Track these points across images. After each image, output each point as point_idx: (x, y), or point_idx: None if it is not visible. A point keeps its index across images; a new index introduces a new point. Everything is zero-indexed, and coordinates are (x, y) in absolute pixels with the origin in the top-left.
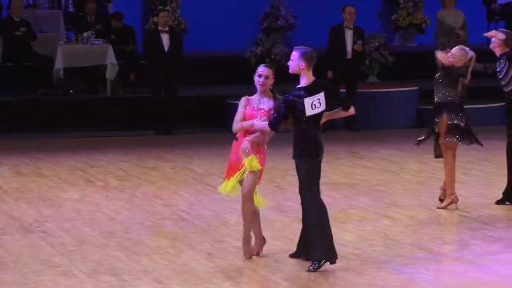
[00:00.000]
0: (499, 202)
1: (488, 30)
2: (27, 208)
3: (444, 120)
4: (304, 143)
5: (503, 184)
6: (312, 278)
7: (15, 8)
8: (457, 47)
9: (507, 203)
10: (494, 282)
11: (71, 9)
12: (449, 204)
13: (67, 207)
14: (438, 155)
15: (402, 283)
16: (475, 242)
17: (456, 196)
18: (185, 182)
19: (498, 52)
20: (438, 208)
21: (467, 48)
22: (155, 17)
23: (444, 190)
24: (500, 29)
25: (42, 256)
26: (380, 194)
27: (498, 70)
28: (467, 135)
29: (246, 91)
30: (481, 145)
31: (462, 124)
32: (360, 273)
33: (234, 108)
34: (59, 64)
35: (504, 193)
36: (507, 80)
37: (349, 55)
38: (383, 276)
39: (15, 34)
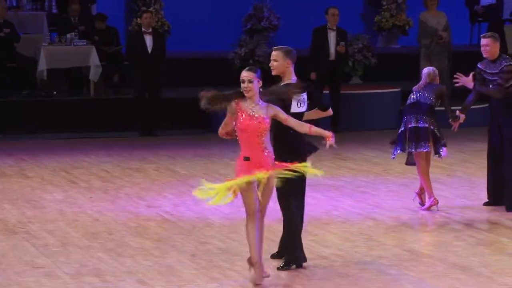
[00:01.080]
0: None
1: (471, 32)
2: (10, 209)
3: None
4: (284, 143)
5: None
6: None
7: None
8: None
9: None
10: (477, 283)
11: (54, 11)
12: (430, 206)
13: (50, 208)
14: (410, 162)
15: (385, 285)
16: (458, 243)
17: (435, 198)
18: (169, 183)
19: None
20: (421, 209)
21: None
22: (138, 19)
23: (419, 195)
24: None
25: (26, 257)
26: (364, 196)
27: None
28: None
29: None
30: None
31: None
32: (344, 274)
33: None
34: (42, 65)
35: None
36: None
37: (333, 56)
38: (367, 277)
39: None
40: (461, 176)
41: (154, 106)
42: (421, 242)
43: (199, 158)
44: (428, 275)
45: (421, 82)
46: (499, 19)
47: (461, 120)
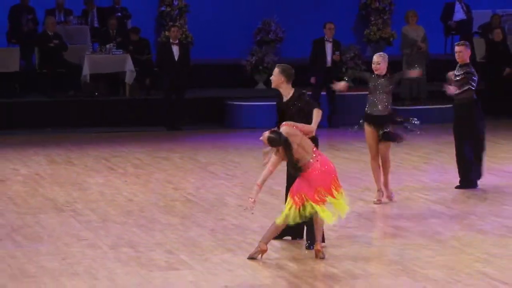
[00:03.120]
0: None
1: (445, 43)
2: (59, 191)
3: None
4: None
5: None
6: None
7: (49, 24)
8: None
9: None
10: (450, 253)
11: (96, 25)
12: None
13: (92, 190)
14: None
15: (373, 254)
16: (434, 220)
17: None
18: (191, 170)
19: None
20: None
21: None
22: (167, 32)
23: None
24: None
25: (72, 231)
26: (355, 181)
27: None
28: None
29: (242, 94)
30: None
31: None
32: (337, 246)
33: (232, 108)
34: (86, 70)
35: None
36: None
37: (329, 63)
38: (357, 249)
39: (49, 46)
40: (436, 164)
41: (179, 105)
42: (403, 219)
43: (217, 149)
44: (409, 246)
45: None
46: (469, 32)
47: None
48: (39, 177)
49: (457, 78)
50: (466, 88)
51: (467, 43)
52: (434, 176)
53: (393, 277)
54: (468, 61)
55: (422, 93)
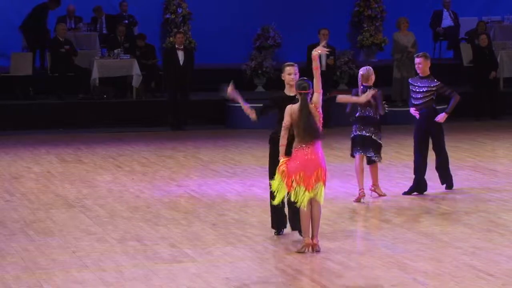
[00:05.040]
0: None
1: (434, 48)
2: (69, 188)
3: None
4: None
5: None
6: None
7: (60, 31)
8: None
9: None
10: (438, 247)
11: (104, 31)
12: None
13: (101, 187)
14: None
15: (365, 247)
16: (424, 215)
17: (362, 191)
18: (194, 168)
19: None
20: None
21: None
22: (172, 38)
23: (373, 190)
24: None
25: (82, 226)
26: (349, 178)
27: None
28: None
29: (243, 96)
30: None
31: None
32: (332, 239)
33: (233, 110)
34: (95, 74)
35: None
36: None
37: (324, 68)
38: (350, 242)
39: (60, 51)
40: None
41: (183, 107)
42: (394, 214)
43: (218, 148)
44: (399, 240)
45: (360, 88)
46: (456, 38)
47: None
48: (50, 175)
49: (423, 89)
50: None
51: (427, 54)
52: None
53: (385, 269)
54: (429, 72)
55: None
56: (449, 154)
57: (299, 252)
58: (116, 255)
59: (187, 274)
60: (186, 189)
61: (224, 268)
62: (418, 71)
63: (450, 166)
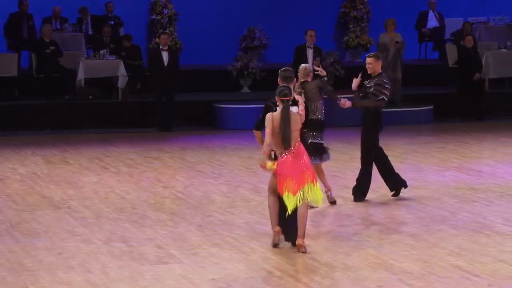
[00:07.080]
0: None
1: (419, 49)
2: (55, 189)
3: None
4: None
5: (431, 170)
6: None
7: (46, 31)
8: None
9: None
10: (424, 248)
11: (90, 32)
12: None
13: (87, 188)
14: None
15: (351, 249)
16: (409, 216)
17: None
18: (180, 169)
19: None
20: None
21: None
22: (157, 38)
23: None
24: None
25: (67, 227)
26: (335, 179)
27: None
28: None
29: (228, 97)
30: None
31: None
32: (318, 240)
33: (219, 110)
34: (80, 75)
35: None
36: None
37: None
38: (336, 243)
39: (45, 52)
40: (411, 163)
41: (169, 107)
42: (380, 215)
43: (204, 149)
44: (385, 241)
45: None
46: (442, 39)
47: (347, 105)
48: (36, 176)
49: (369, 89)
50: (380, 98)
51: (379, 54)
52: (410, 174)
53: (371, 270)
54: (379, 71)
55: (398, 96)
56: (428, 153)
57: (274, 245)
58: (102, 256)
59: (173, 275)
60: (172, 190)
61: (210, 269)
62: (369, 71)
63: (436, 167)
